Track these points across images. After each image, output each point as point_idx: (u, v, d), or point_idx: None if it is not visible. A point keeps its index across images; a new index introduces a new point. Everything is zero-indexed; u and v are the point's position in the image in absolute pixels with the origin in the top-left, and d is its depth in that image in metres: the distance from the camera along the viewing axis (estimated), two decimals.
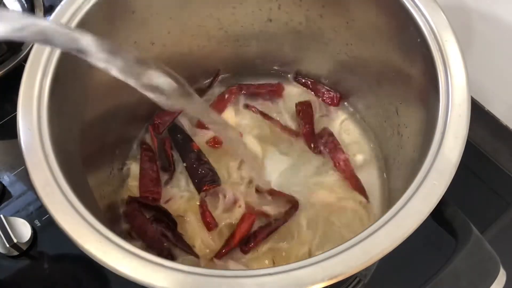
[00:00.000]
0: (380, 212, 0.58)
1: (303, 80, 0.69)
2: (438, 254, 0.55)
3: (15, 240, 0.58)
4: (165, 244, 0.55)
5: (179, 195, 0.60)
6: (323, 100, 0.68)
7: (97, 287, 0.58)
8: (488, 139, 0.68)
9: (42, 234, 0.61)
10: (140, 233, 0.56)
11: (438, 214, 0.44)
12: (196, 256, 0.56)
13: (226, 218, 0.58)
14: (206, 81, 0.70)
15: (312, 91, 0.69)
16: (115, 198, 0.60)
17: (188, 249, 0.56)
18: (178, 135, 0.64)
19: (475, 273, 0.41)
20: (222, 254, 0.56)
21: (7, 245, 0.57)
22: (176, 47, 0.62)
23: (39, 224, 0.62)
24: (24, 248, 0.60)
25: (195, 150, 0.62)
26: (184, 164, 0.62)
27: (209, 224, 0.58)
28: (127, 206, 0.59)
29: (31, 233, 0.60)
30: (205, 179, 0.60)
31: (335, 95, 0.67)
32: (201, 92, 0.68)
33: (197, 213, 0.59)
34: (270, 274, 0.35)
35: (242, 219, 0.58)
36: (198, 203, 0.59)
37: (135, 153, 0.64)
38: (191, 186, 0.61)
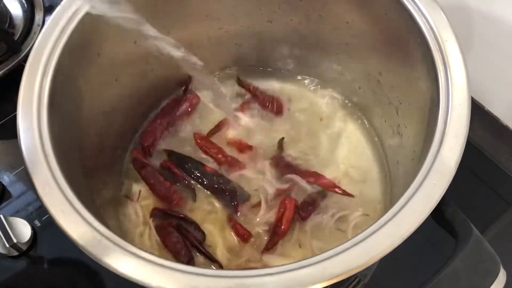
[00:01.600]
0: (381, 212, 0.58)
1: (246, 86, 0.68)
2: (438, 254, 0.55)
3: (15, 240, 0.58)
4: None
5: (201, 208, 0.59)
6: (264, 108, 0.66)
7: (96, 287, 0.58)
8: (488, 139, 0.68)
9: (42, 234, 0.61)
10: (167, 245, 0.56)
11: (438, 214, 0.44)
12: (220, 265, 0.55)
13: (261, 225, 0.58)
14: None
15: (252, 96, 0.67)
16: (114, 199, 0.60)
17: (212, 258, 0.55)
18: (187, 165, 0.60)
19: (475, 273, 0.41)
20: (271, 245, 0.55)
21: (7, 245, 0.57)
22: None
23: (39, 224, 0.61)
24: (24, 248, 0.59)
25: (212, 172, 0.60)
26: (208, 192, 0.60)
27: (244, 235, 0.56)
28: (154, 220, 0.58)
29: (31, 233, 0.60)
30: (235, 199, 0.58)
31: (276, 103, 0.65)
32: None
33: (215, 223, 0.58)
34: (270, 274, 0.35)
35: (284, 205, 0.57)
36: (220, 216, 0.59)
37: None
38: (213, 200, 0.60)
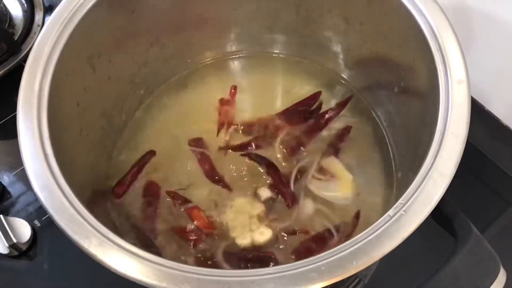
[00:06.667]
0: (382, 211, 0.58)
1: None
2: (438, 254, 0.55)
3: (14, 240, 0.58)
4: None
5: None
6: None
7: (97, 287, 0.58)
8: (488, 139, 0.68)
9: (42, 235, 0.61)
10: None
11: (438, 214, 0.44)
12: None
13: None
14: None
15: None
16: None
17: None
18: None
19: (475, 272, 0.41)
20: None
21: (7, 245, 0.57)
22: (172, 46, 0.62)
23: (38, 225, 0.61)
24: (24, 248, 0.59)
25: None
26: None
27: None
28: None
29: (31, 233, 0.60)
30: None
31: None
32: None
33: None
34: (269, 274, 0.35)
35: None
36: None
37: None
38: None
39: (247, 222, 0.56)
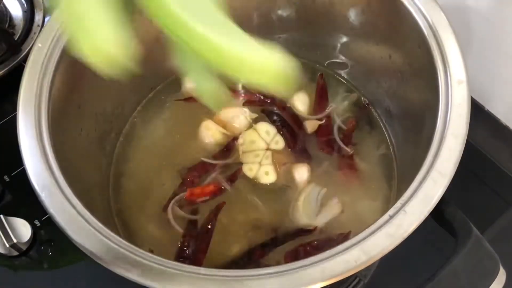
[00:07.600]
0: (382, 211, 0.58)
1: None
2: (438, 254, 0.55)
3: (14, 240, 0.57)
4: None
5: None
6: None
7: (97, 287, 0.59)
8: (488, 139, 0.68)
9: (42, 234, 0.61)
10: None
11: (438, 214, 0.44)
12: None
13: None
14: None
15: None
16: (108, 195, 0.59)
17: None
18: None
19: (475, 272, 0.41)
20: None
21: (7, 245, 0.57)
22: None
23: (39, 224, 0.61)
24: (24, 248, 0.59)
25: None
26: None
27: None
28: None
29: (31, 233, 0.59)
30: None
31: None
32: None
33: None
34: (270, 273, 0.35)
35: None
36: None
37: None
38: None
39: (261, 153, 0.56)
